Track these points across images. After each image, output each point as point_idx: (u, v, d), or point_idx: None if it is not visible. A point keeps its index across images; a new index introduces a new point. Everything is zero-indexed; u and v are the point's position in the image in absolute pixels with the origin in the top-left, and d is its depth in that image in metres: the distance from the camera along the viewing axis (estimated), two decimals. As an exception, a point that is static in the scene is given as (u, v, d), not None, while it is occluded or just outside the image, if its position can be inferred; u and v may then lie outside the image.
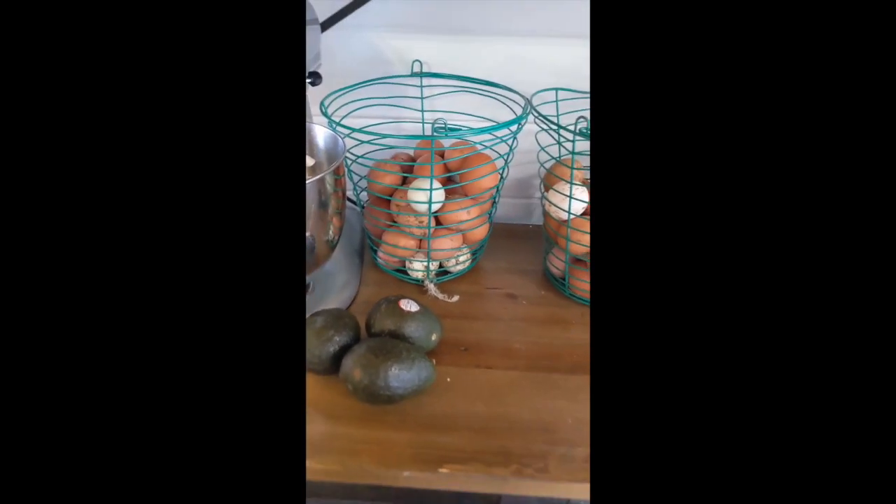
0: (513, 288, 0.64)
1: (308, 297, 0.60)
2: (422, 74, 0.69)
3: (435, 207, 0.59)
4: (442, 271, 0.65)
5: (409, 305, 0.52)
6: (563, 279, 0.62)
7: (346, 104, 0.65)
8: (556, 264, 0.63)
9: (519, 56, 0.68)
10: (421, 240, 0.62)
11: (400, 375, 0.45)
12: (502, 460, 0.43)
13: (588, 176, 0.64)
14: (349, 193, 0.66)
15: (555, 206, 0.59)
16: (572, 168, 0.56)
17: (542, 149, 0.59)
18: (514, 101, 0.65)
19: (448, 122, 0.70)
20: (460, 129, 0.55)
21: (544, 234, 0.65)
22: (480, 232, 0.63)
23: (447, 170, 0.63)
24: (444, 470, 0.42)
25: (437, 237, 0.61)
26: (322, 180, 0.50)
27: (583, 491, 0.43)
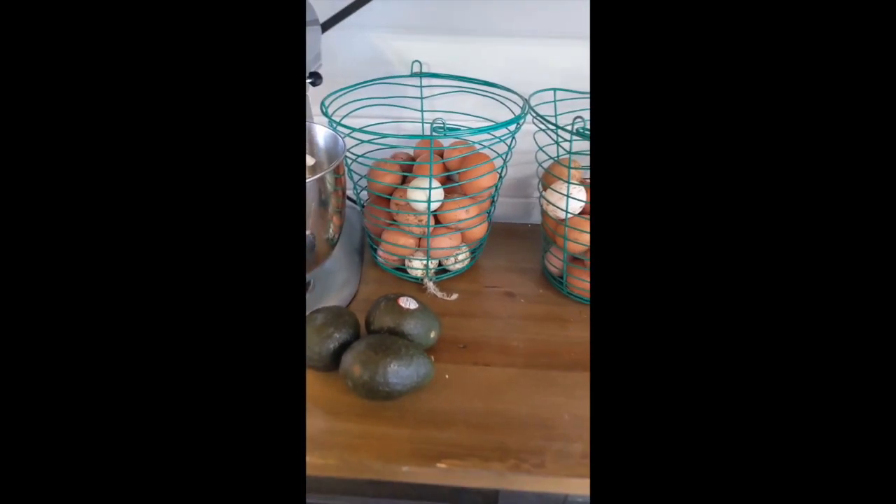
0: (511, 286, 0.65)
1: (308, 295, 0.61)
2: (421, 75, 0.69)
3: (434, 206, 0.60)
4: (441, 270, 0.65)
5: (408, 303, 0.52)
6: (561, 278, 0.62)
7: (347, 104, 0.66)
8: (554, 263, 0.63)
9: (518, 57, 0.68)
10: (420, 238, 0.62)
11: (399, 372, 0.46)
12: (500, 455, 0.44)
13: (585, 175, 0.64)
14: (349, 192, 0.67)
15: (553, 205, 0.59)
16: (569, 167, 0.56)
17: (541, 148, 0.60)
18: (512, 102, 0.66)
19: (447, 122, 0.71)
20: (459, 129, 0.56)
21: (542, 234, 0.65)
22: (479, 231, 0.64)
23: (446, 169, 0.63)
24: (442, 465, 0.43)
25: (436, 236, 0.61)
26: (322, 179, 0.50)
27: (579, 486, 0.43)
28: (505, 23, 0.67)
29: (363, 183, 0.65)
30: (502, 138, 0.60)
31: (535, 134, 0.61)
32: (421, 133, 0.72)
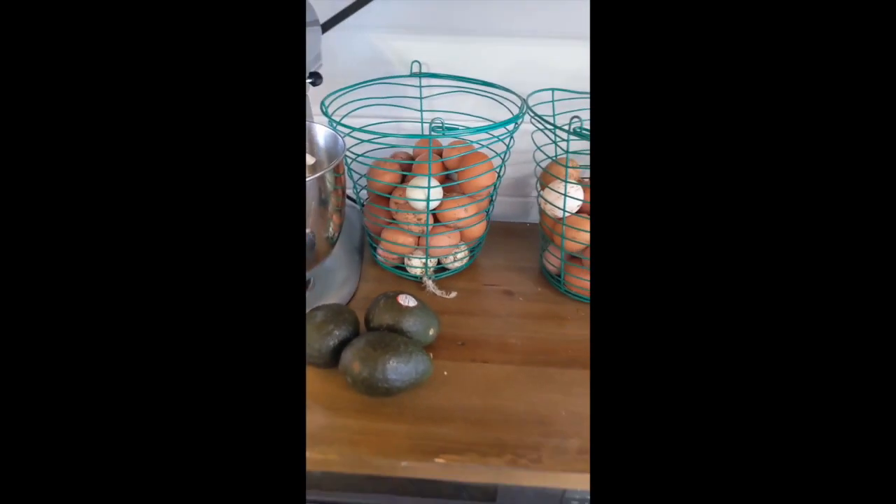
0: (510, 285, 0.65)
1: (308, 293, 0.61)
2: (421, 75, 0.70)
3: (433, 205, 0.60)
4: (440, 268, 0.66)
5: (407, 301, 0.53)
6: (559, 276, 0.63)
7: (347, 104, 0.66)
8: (552, 261, 0.64)
9: (518, 57, 0.69)
10: (419, 237, 0.63)
11: (398, 368, 0.46)
12: (497, 451, 0.44)
13: (583, 175, 0.65)
14: (349, 191, 0.67)
15: (550, 204, 0.60)
16: (567, 167, 0.57)
17: (539, 148, 0.60)
18: (511, 102, 0.67)
19: (446, 122, 0.72)
20: (457, 129, 0.57)
21: (540, 232, 0.66)
22: (478, 229, 0.65)
23: (445, 168, 0.64)
24: (440, 460, 0.44)
25: (435, 234, 0.62)
26: (322, 178, 0.51)
27: (576, 481, 0.44)
28: (504, 23, 0.67)
29: (363, 182, 0.65)
30: (501, 138, 0.60)
31: (532, 134, 0.61)
32: (420, 133, 0.73)
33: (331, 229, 0.56)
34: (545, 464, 0.44)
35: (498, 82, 0.67)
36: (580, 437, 0.46)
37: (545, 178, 0.62)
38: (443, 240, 0.62)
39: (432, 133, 0.55)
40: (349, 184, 0.65)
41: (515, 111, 0.66)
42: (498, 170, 0.63)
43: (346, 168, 0.61)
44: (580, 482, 0.44)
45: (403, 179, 0.63)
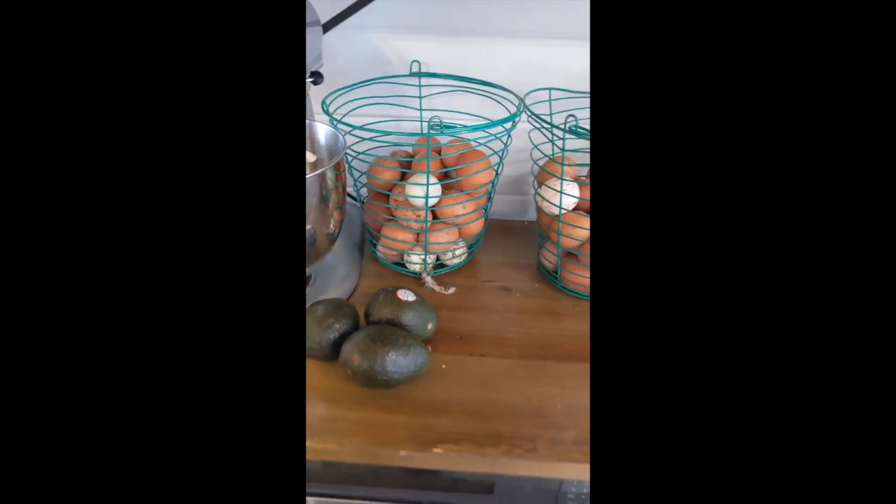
0: (507, 281, 0.66)
1: (309, 289, 0.62)
2: (420, 74, 0.71)
3: (432, 202, 0.61)
4: (439, 264, 0.67)
5: (406, 295, 0.54)
6: (556, 272, 0.64)
7: (347, 103, 0.67)
8: (549, 258, 0.65)
9: (517, 57, 0.70)
10: (418, 234, 0.64)
11: (397, 361, 0.47)
12: (494, 442, 0.45)
13: (579, 172, 0.66)
14: (350, 190, 0.68)
15: (547, 201, 0.61)
16: (563, 164, 0.58)
17: (536, 147, 0.61)
18: (509, 101, 0.68)
19: (444, 121, 0.73)
20: (455, 127, 0.58)
21: (538, 229, 0.67)
22: (476, 226, 0.66)
23: (444, 166, 0.65)
24: (438, 450, 0.45)
25: (433, 231, 0.63)
26: (323, 175, 0.52)
27: (571, 471, 0.45)
28: (504, 23, 0.68)
29: (363, 180, 0.66)
30: (498, 136, 0.61)
31: (530, 132, 0.62)
32: (420, 131, 0.74)
33: (331, 226, 0.57)
34: (541, 454, 0.45)
35: (498, 83, 0.68)
36: (576, 429, 0.47)
37: (542, 175, 0.63)
38: (441, 236, 0.63)
39: (431, 131, 0.56)
40: (350, 181, 0.66)
41: (514, 110, 0.67)
42: (496, 168, 0.64)
43: (346, 166, 0.62)
44: (575, 472, 0.45)
45: (403, 177, 0.64)
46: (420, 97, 0.73)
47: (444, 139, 0.69)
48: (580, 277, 0.61)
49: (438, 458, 0.45)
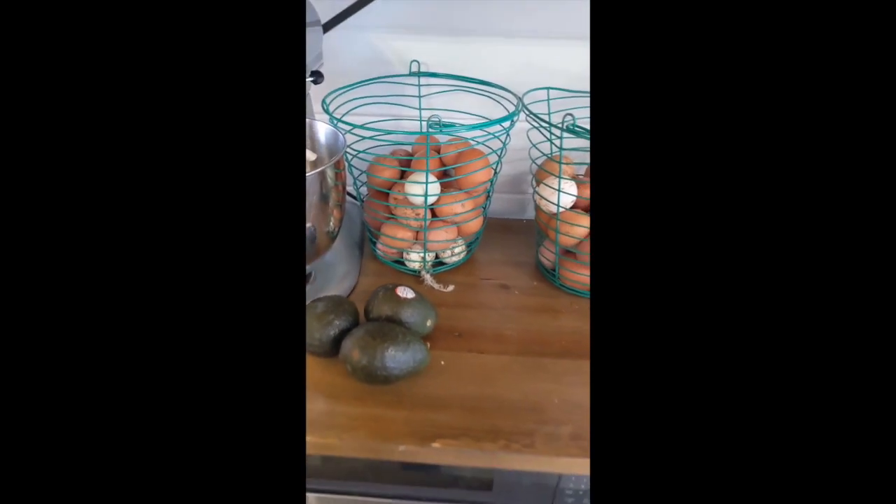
0: (506, 279, 0.67)
1: (310, 287, 0.63)
2: (419, 74, 0.72)
3: (431, 200, 0.62)
4: (438, 262, 0.68)
5: (405, 292, 0.54)
6: (554, 270, 0.64)
7: (347, 102, 0.68)
8: (547, 256, 0.65)
9: (516, 58, 0.71)
10: (418, 232, 0.64)
11: (396, 357, 0.48)
12: (492, 437, 0.46)
13: (577, 171, 0.67)
14: (349, 188, 0.69)
15: (545, 199, 0.61)
16: (560, 163, 0.59)
17: (534, 145, 0.62)
18: (508, 100, 0.68)
19: (443, 119, 0.73)
20: (454, 126, 0.58)
21: (536, 228, 0.67)
22: (475, 225, 0.66)
23: (443, 165, 0.66)
24: (436, 444, 0.45)
25: (433, 229, 0.64)
26: (323, 173, 0.52)
27: (568, 465, 0.45)
28: (504, 23, 0.69)
29: (363, 178, 0.67)
30: (497, 135, 0.62)
31: (528, 132, 0.63)
32: (419, 130, 0.74)
33: (331, 224, 0.58)
34: (538, 449, 0.45)
35: (498, 83, 0.68)
36: (573, 424, 0.47)
37: (540, 174, 0.64)
38: (440, 234, 0.64)
39: (430, 130, 0.56)
40: (349, 180, 0.67)
41: (512, 110, 0.68)
42: (494, 166, 0.64)
43: (346, 164, 0.62)
44: (572, 466, 0.45)
45: (402, 176, 0.65)
46: (419, 96, 0.73)
47: (443, 138, 0.69)
48: (578, 275, 0.62)
49: (437, 453, 0.45)
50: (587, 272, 0.61)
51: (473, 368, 0.53)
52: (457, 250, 0.67)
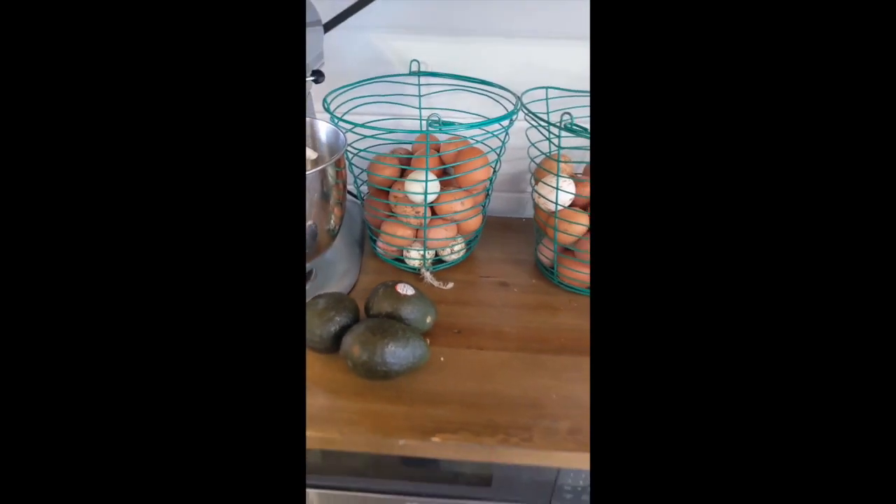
0: (505, 276, 0.67)
1: (310, 284, 0.63)
2: (419, 73, 0.72)
3: (430, 198, 0.62)
4: (437, 260, 0.68)
5: (405, 289, 0.55)
6: (553, 268, 0.65)
7: (348, 101, 0.69)
8: (546, 254, 0.66)
9: (515, 57, 0.71)
10: (418, 230, 0.65)
11: (396, 352, 0.48)
12: (490, 431, 0.46)
13: (575, 169, 0.67)
14: (350, 187, 0.69)
15: (544, 198, 0.62)
16: (559, 161, 0.59)
17: (533, 144, 0.62)
18: (507, 100, 0.69)
19: (442, 118, 0.74)
20: (453, 124, 0.59)
21: (535, 226, 0.68)
22: (474, 223, 0.67)
23: (442, 163, 0.66)
24: (436, 439, 0.46)
25: (432, 227, 0.64)
26: (324, 171, 0.53)
27: (565, 460, 0.46)
28: (504, 23, 0.69)
29: (363, 177, 0.68)
30: (496, 133, 0.62)
31: (527, 131, 0.63)
32: (419, 129, 0.75)
33: (332, 222, 0.58)
34: (536, 443, 0.46)
35: (498, 83, 0.69)
36: (570, 419, 0.48)
37: (539, 173, 0.64)
38: (440, 232, 0.65)
39: (430, 129, 0.57)
40: (350, 178, 0.67)
41: (511, 109, 0.68)
42: (493, 165, 0.65)
43: (347, 163, 0.63)
44: (570, 461, 0.46)
45: (402, 174, 0.66)
46: (419, 96, 0.74)
47: (442, 137, 0.70)
48: (576, 273, 0.62)
49: (436, 447, 0.46)
50: (585, 270, 0.62)
51: (473, 364, 0.54)
52: (456, 248, 0.67)
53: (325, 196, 0.55)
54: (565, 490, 0.53)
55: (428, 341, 0.53)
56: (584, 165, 0.71)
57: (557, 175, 0.60)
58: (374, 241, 0.69)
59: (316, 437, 0.46)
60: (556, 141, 0.58)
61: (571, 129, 0.54)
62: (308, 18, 0.60)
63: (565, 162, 0.62)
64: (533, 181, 0.65)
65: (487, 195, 0.68)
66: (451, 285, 0.65)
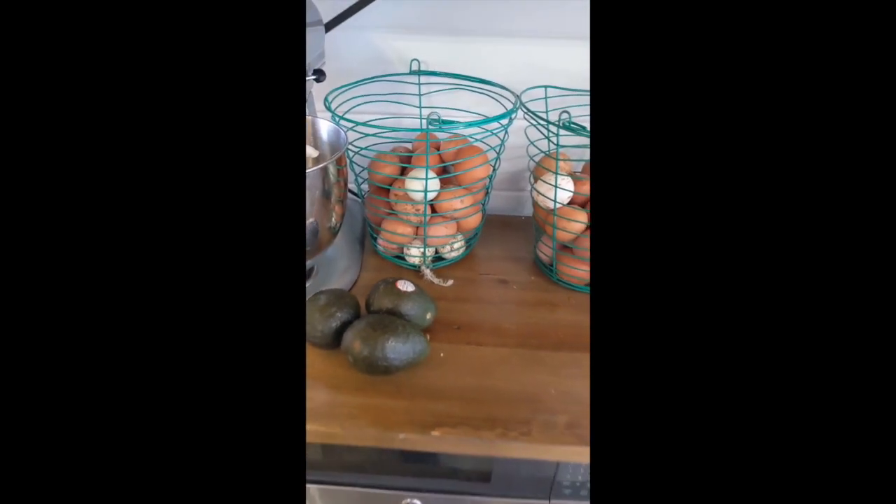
0: (504, 274, 0.68)
1: (311, 281, 0.64)
2: (420, 73, 0.73)
3: (430, 196, 0.63)
4: (437, 257, 0.69)
5: (405, 286, 0.55)
6: (552, 265, 0.65)
7: (349, 100, 0.69)
8: (545, 251, 0.66)
9: (515, 56, 0.72)
10: (418, 227, 0.66)
11: (396, 348, 0.49)
12: (489, 425, 0.47)
13: (574, 168, 0.68)
14: (351, 185, 0.70)
15: (543, 195, 0.62)
16: (557, 159, 0.60)
17: (532, 143, 0.63)
18: (506, 99, 0.69)
19: (442, 117, 0.74)
20: (453, 123, 0.59)
21: (534, 224, 0.69)
22: (474, 220, 0.67)
23: (442, 161, 0.67)
24: (435, 433, 0.46)
25: (432, 225, 0.65)
26: (325, 169, 0.54)
27: (563, 453, 0.47)
28: (504, 23, 0.70)
29: (364, 175, 0.68)
30: (495, 132, 0.63)
31: (526, 129, 0.64)
32: (419, 128, 0.76)
33: (333, 219, 0.59)
34: (535, 437, 0.46)
35: (498, 83, 0.69)
36: (568, 414, 0.49)
37: (538, 171, 0.65)
38: (440, 230, 0.65)
39: (430, 127, 0.57)
40: (351, 176, 0.68)
41: (510, 107, 0.69)
42: (493, 163, 0.66)
43: (347, 161, 0.64)
44: (567, 454, 0.47)
45: (403, 172, 0.66)
46: (419, 95, 0.74)
47: (442, 136, 0.70)
48: (575, 270, 0.63)
49: (436, 441, 0.46)
50: (584, 267, 0.62)
51: (472, 360, 0.54)
52: (456, 246, 0.68)
53: (326, 194, 0.56)
54: (564, 486, 0.54)
55: (428, 337, 0.53)
56: (582, 164, 0.72)
57: (556, 173, 0.60)
58: (375, 239, 0.70)
59: (318, 431, 0.47)
60: (554, 139, 0.58)
61: (570, 127, 0.54)
62: (309, 18, 0.61)
63: (564, 160, 0.62)
64: (532, 179, 0.66)
65: (487, 193, 0.68)
66: (450, 282, 0.65)
